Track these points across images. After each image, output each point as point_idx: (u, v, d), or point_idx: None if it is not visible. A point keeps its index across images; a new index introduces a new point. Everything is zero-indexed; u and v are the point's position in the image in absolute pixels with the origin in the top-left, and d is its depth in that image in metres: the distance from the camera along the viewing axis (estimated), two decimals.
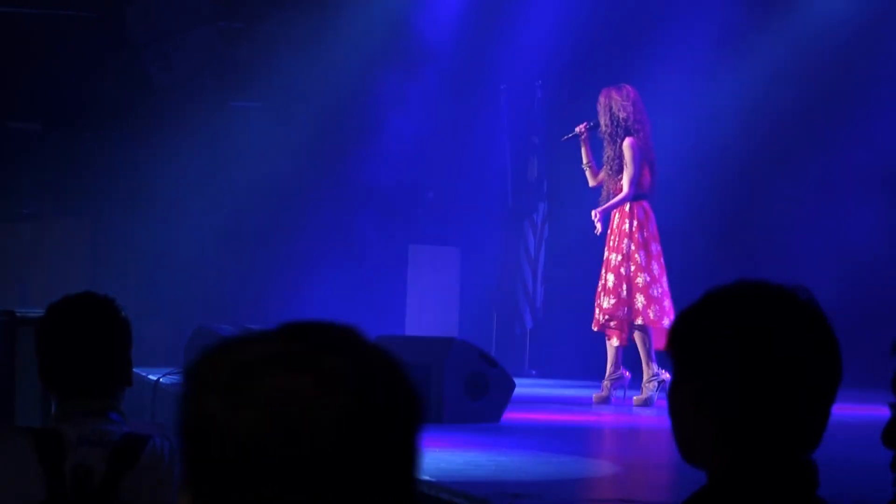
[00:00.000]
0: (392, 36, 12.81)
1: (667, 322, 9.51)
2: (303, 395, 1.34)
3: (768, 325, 1.97)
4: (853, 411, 7.86)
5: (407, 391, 1.39)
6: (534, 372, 12.79)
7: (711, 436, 1.96)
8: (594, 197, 10.04)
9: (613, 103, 9.66)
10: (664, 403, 9.31)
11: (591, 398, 9.86)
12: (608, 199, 9.78)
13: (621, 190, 9.68)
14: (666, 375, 9.67)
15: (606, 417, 9.44)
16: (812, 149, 12.39)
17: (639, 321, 9.63)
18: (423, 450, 1.41)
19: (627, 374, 9.81)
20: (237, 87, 12.91)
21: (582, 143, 9.95)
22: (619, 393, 9.81)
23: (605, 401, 9.71)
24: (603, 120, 9.72)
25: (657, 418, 8.88)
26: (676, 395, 2.02)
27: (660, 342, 9.64)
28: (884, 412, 2.33)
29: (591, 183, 9.98)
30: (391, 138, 12.97)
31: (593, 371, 10.35)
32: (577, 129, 9.94)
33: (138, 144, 12.55)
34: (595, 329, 9.82)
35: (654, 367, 9.62)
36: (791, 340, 1.96)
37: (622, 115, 9.63)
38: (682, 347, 2.02)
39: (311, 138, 12.73)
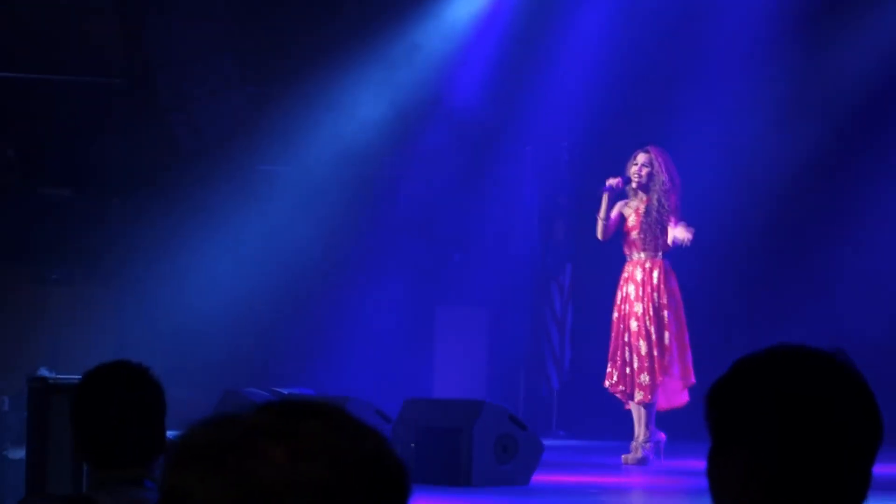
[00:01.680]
0: (419, 98, 12.88)
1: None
2: (275, 465, 1.31)
3: (807, 390, 1.98)
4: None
5: (390, 466, 1.35)
6: (562, 433, 12.76)
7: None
8: (620, 258, 10.06)
9: (668, 165, 9.83)
10: (667, 464, 9.29)
11: (620, 459, 9.83)
12: (636, 256, 9.83)
13: (660, 238, 9.76)
14: (663, 436, 9.73)
15: (636, 479, 9.41)
16: (842, 201, 12.43)
17: (675, 378, 9.70)
18: None
19: (663, 435, 9.80)
20: (265, 151, 12.99)
21: (608, 197, 9.99)
22: (657, 454, 9.79)
23: (642, 462, 9.69)
24: (661, 179, 9.80)
25: (686, 479, 8.84)
26: (719, 465, 2.02)
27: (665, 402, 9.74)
28: None
29: (601, 237, 10.04)
30: (418, 200, 13.02)
31: (621, 432, 10.32)
32: (610, 183, 9.97)
33: (167, 209, 12.63)
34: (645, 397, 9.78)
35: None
36: (831, 405, 1.97)
37: (677, 179, 9.80)
38: (720, 416, 2.02)
39: (339, 202, 12.79)
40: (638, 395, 9.73)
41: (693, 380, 9.74)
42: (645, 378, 9.69)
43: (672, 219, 9.76)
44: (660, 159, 9.87)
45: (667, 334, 9.70)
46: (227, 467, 1.32)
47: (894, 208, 12.19)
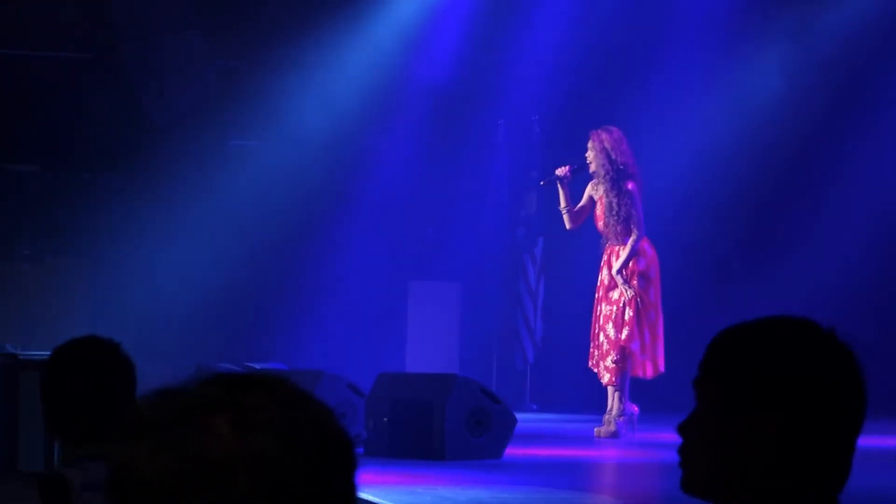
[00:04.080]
0: (390, 73, 12.85)
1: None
2: (220, 438, 1.30)
3: (811, 369, 2.00)
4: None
5: (336, 437, 1.34)
6: (535, 406, 12.77)
7: (766, 467, 1.98)
8: (592, 231, 10.06)
9: (609, 147, 9.69)
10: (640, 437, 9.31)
11: (592, 432, 9.85)
12: (609, 242, 9.81)
13: (628, 234, 9.70)
14: (636, 409, 9.74)
15: (609, 452, 9.43)
16: (810, 185, 12.47)
17: (642, 351, 9.70)
18: (355, 496, 1.35)
19: (636, 408, 9.82)
20: (235, 125, 12.93)
21: (561, 187, 9.93)
22: (630, 427, 9.81)
23: (614, 435, 9.70)
24: (599, 163, 9.74)
25: (659, 452, 8.87)
26: (724, 423, 2.02)
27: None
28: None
29: (569, 226, 10.00)
30: (390, 175, 13.00)
31: (594, 405, 10.34)
32: (558, 172, 9.92)
33: (136, 184, 12.57)
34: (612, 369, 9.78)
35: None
36: (835, 384, 2.00)
37: (621, 159, 9.67)
38: (732, 376, 2.03)
39: (310, 176, 12.75)
40: (605, 378, 9.77)
41: (662, 368, 9.74)
42: (610, 361, 9.71)
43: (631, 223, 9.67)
44: (598, 143, 9.77)
45: (628, 311, 9.68)
46: (173, 442, 1.30)
47: (861, 189, 12.23)
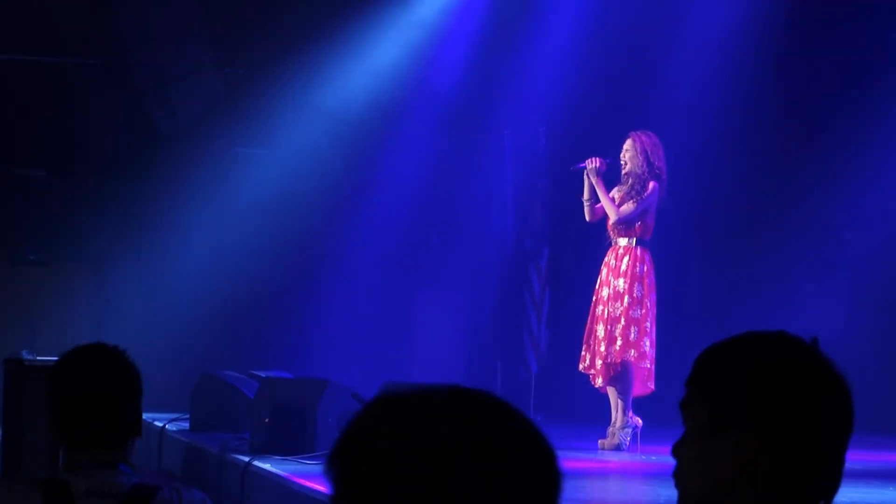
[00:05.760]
0: (397, 82, 12.86)
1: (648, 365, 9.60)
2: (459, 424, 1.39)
3: (790, 381, 1.99)
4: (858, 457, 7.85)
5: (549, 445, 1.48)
6: (539, 417, 12.77)
7: (755, 484, 1.98)
8: (597, 242, 10.06)
9: (649, 148, 9.72)
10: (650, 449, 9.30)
11: (596, 444, 9.84)
12: (614, 242, 9.81)
13: (634, 225, 9.71)
14: (639, 422, 9.72)
15: (612, 465, 9.42)
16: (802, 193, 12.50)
17: (646, 364, 9.66)
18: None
19: (640, 421, 9.80)
20: (242, 133, 12.95)
21: (587, 178, 9.91)
22: (633, 440, 9.79)
23: (618, 447, 9.69)
24: (636, 163, 9.74)
25: (662, 465, 8.86)
26: (712, 443, 2.02)
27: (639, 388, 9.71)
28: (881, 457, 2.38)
29: (588, 218, 9.98)
30: (396, 183, 13.01)
31: (599, 416, 10.33)
32: (590, 163, 9.90)
33: (143, 190, 12.59)
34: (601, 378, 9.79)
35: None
36: (814, 397, 1.99)
37: (657, 163, 9.70)
38: (715, 395, 2.03)
39: (316, 185, 12.76)
40: (597, 381, 9.77)
41: (651, 387, 9.72)
42: (599, 363, 9.70)
43: (637, 201, 9.68)
44: (639, 145, 9.81)
45: (623, 320, 9.67)
46: (414, 424, 1.40)
47: (857, 199, 12.24)
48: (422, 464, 1.40)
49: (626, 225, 9.77)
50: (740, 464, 1.99)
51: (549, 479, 1.43)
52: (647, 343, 9.68)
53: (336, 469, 1.43)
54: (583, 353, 9.91)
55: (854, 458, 2.21)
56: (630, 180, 9.77)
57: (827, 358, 2.03)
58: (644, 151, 9.75)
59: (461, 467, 1.39)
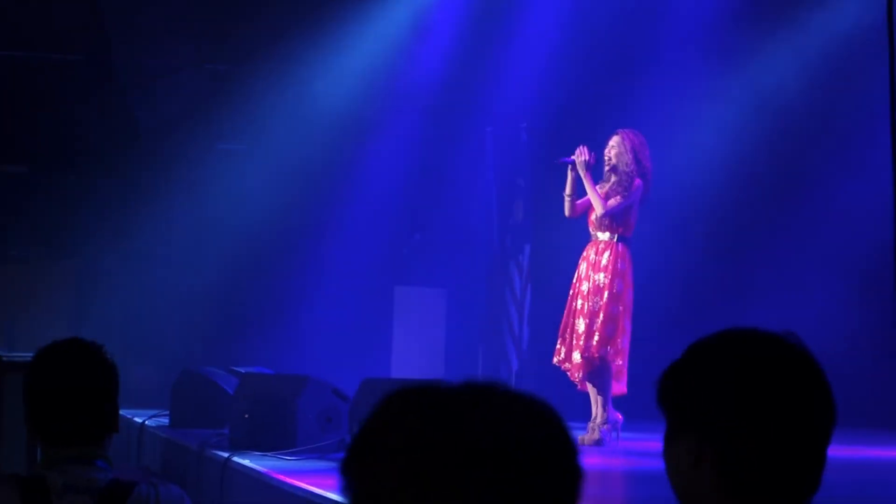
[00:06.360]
0: (378, 78, 12.86)
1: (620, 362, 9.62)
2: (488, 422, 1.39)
3: (762, 371, 1.98)
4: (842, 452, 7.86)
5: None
6: None
7: (713, 487, 1.97)
8: (579, 239, 10.07)
9: (637, 147, 9.75)
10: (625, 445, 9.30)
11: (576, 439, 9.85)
12: (602, 228, 9.82)
13: (616, 220, 9.73)
14: (620, 417, 9.75)
15: (592, 460, 9.44)
16: (794, 197, 12.52)
17: (619, 361, 9.67)
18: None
19: (620, 416, 9.83)
20: (224, 129, 12.94)
21: (571, 172, 9.91)
22: (614, 435, 9.82)
23: (598, 443, 9.71)
24: (624, 161, 9.75)
25: (642, 460, 8.89)
26: (672, 448, 2.02)
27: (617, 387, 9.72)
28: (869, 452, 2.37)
29: (568, 214, 9.98)
30: (377, 180, 13.01)
31: (578, 412, 10.35)
32: (579, 155, 9.88)
33: (125, 187, 12.57)
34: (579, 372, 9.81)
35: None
36: (786, 385, 1.98)
37: (645, 161, 9.73)
38: (674, 400, 2.02)
39: (297, 181, 12.76)
40: (576, 375, 9.79)
41: (623, 388, 9.73)
42: (577, 356, 9.73)
43: (624, 196, 9.70)
44: (628, 142, 9.82)
45: (601, 314, 9.69)
46: (430, 422, 1.39)
47: (850, 193, 12.27)
48: (439, 463, 1.37)
49: (610, 219, 9.79)
50: (686, 464, 1.99)
51: (569, 477, 1.41)
52: (623, 340, 9.71)
53: (351, 471, 1.40)
54: (558, 346, 9.92)
55: (856, 455, 2.21)
56: (614, 176, 9.79)
57: (808, 351, 2.02)
58: (633, 149, 9.78)
59: (479, 466, 1.37)
